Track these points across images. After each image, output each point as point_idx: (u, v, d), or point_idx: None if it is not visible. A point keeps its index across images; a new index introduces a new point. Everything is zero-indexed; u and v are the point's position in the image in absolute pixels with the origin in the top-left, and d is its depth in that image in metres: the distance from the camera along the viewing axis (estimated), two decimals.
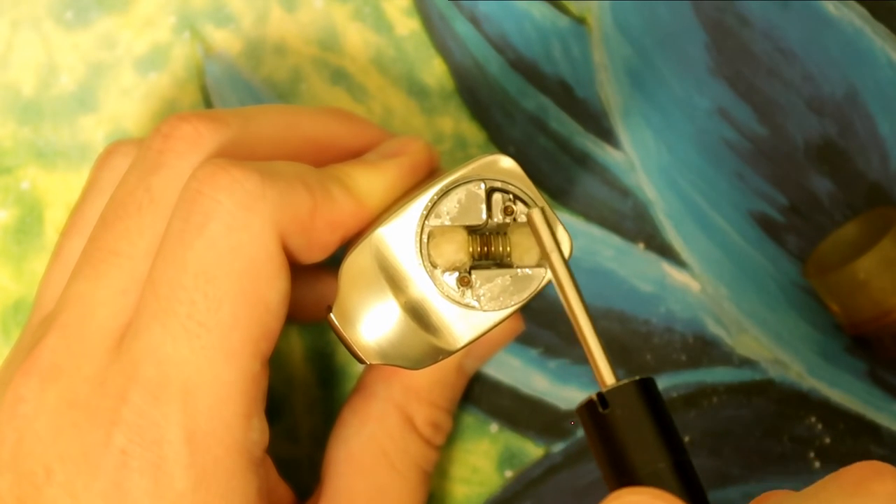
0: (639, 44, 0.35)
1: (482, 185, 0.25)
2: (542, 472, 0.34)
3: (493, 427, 0.34)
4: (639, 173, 0.35)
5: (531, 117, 0.35)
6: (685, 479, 0.22)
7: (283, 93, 0.36)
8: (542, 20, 0.36)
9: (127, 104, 0.36)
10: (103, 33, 0.36)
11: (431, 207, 0.25)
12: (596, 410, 0.22)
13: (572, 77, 0.35)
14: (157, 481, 0.25)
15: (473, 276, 0.25)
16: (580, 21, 0.36)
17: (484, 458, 0.34)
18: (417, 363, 0.26)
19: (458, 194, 0.25)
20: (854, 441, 0.34)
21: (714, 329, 0.35)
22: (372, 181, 0.28)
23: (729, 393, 0.34)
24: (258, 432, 0.26)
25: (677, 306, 0.35)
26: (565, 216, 0.35)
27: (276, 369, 0.34)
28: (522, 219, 0.26)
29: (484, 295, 0.25)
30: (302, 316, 0.33)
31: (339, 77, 0.36)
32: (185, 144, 0.27)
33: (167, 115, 0.35)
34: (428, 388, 0.30)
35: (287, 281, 0.26)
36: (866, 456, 0.34)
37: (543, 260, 0.25)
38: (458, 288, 0.25)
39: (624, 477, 0.22)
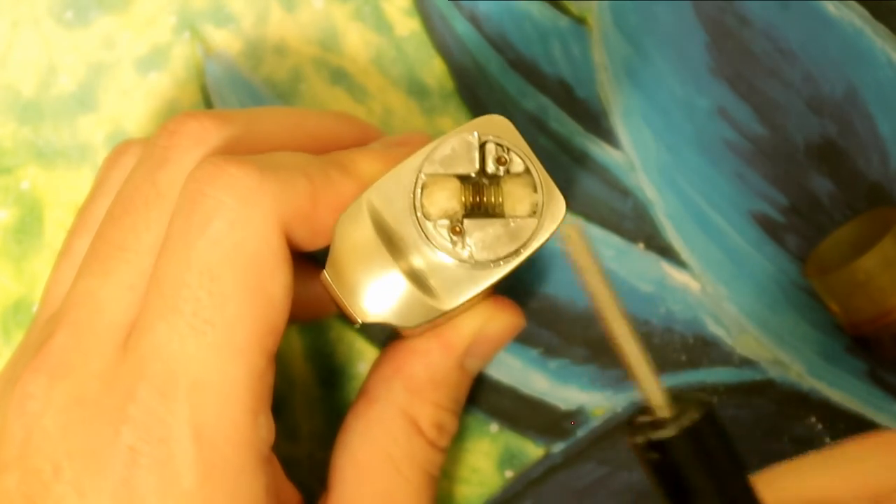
0: (639, 44, 0.35)
1: (475, 134, 0.25)
2: (542, 472, 0.34)
3: (493, 427, 0.34)
4: (639, 173, 0.35)
5: (531, 117, 0.35)
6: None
7: (283, 93, 0.36)
8: (542, 20, 0.36)
9: (127, 104, 0.36)
10: (103, 33, 0.36)
11: (425, 160, 0.25)
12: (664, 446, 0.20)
13: (572, 77, 0.35)
14: (165, 478, 0.25)
15: (465, 225, 0.25)
16: (580, 21, 0.36)
17: (484, 458, 0.34)
18: (409, 321, 0.26)
19: (452, 143, 0.25)
20: None
21: (714, 329, 0.35)
22: (374, 165, 0.28)
23: (729, 393, 0.34)
24: (265, 429, 0.26)
25: (677, 306, 0.35)
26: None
27: (277, 369, 0.34)
28: (515, 169, 0.25)
29: (476, 244, 0.25)
30: (302, 316, 0.33)
31: (339, 77, 0.36)
32: (190, 140, 0.27)
33: (167, 115, 0.36)
34: (431, 388, 0.30)
35: (290, 274, 0.26)
36: None
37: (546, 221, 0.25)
38: (450, 237, 0.25)
39: None
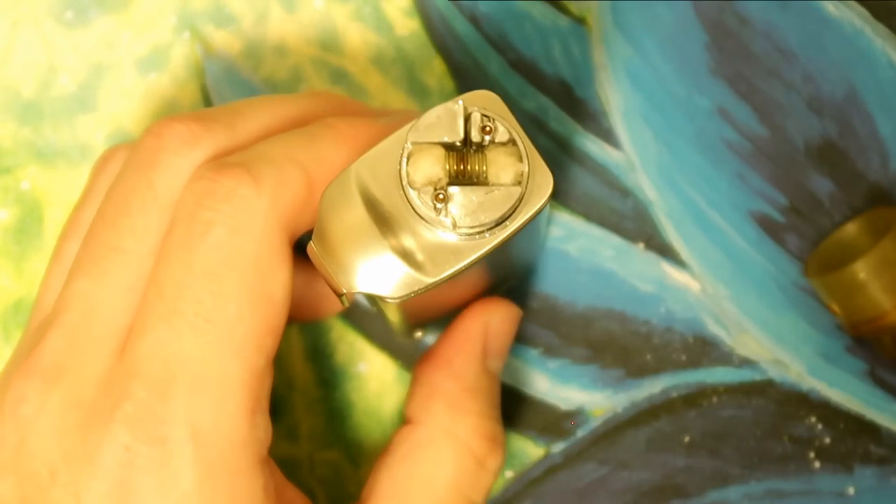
0: (639, 44, 0.35)
1: (460, 103, 0.25)
2: (542, 472, 0.34)
3: None
4: (639, 173, 0.35)
5: (531, 117, 0.35)
6: None
7: (283, 93, 0.36)
8: (542, 20, 0.36)
9: (127, 104, 0.36)
10: (103, 33, 0.36)
11: (410, 130, 0.25)
12: None
13: (572, 77, 0.35)
14: (163, 480, 0.25)
15: (448, 192, 0.25)
16: (580, 21, 0.36)
17: None
18: (394, 292, 0.25)
19: (437, 111, 0.25)
20: (854, 441, 0.34)
21: (714, 329, 0.35)
22: (364, 131, 0.28)
23: (729, 393, 0.34)
24: (262, 430, 0.26)
25: (677, 306, 0.35)
26: (565, 216, 0.35)
27: (277, 369, 0.34)
28: (500, 138, 0.25)
29: (459, 211, 0.25)
30: (302, 316, 0.33)
31: (339, 77, 0.36)
32: (177, 141, 0.27)
33: (167, 115, 0.36)
34: (469, 398, 0.29)
35: (290, 273, 0.26)
36: (866, 456, 0.34)
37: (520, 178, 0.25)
38: (434, 204, 0.25)
39: None
